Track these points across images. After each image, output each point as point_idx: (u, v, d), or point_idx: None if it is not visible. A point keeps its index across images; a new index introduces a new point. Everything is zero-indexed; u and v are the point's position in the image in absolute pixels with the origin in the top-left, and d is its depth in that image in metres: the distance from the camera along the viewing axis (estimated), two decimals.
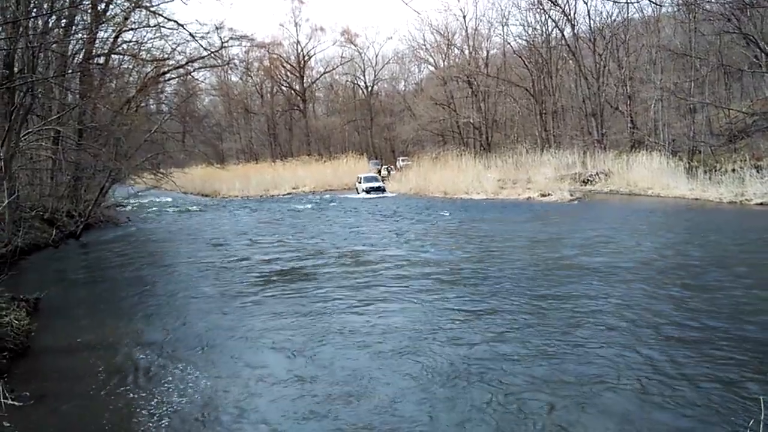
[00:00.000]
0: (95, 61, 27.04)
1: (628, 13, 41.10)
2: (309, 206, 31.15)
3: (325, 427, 5.33)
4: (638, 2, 35.14)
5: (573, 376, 6.12)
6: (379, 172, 46.47)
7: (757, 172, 23.50)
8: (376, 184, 38.01)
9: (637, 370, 6.16)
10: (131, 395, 6.23)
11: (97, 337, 8.47)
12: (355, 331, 8.01)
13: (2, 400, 5.88)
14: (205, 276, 12.58)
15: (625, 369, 6.22)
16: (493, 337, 7.45)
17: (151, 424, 5.53)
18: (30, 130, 13.65)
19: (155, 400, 6.11)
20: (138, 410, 5.86)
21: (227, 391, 6.27)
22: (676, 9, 36.82)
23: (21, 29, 14.86)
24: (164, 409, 5.89)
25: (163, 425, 5.51)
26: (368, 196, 35.91)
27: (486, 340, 7.34)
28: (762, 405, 4.62)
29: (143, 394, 6.26)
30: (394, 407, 5.61)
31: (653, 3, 33.66)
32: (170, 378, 6.70)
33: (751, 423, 4.79)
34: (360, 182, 38.89)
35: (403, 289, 10.38)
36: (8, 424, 5.59)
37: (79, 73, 23.84)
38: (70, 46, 23.26)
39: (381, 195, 36.17)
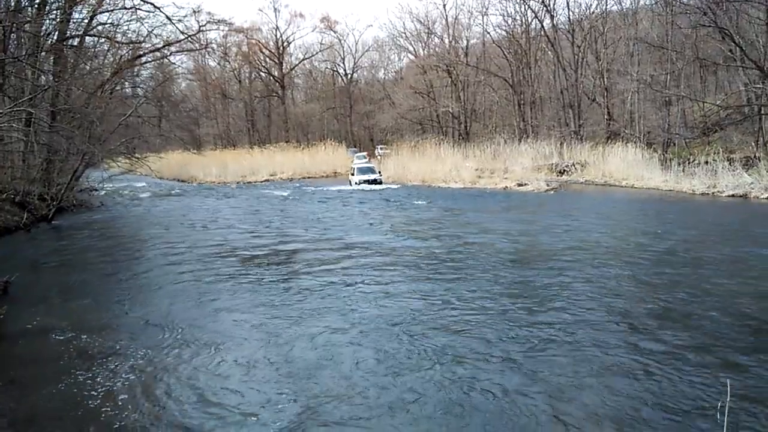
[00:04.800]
0: (69, 43, 26.55)
1: (606, 5, 41.52)
2: (286, 193, 30.99)
3: (299, 405, 5.34)
4: None
5: (541, 361, 6.20)
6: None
7: (729, 164, 23.92)
8: (372, 176, 33.55)
9: (602, 357, 6.26)
10: (101, 380, 6.16)
11: (68, 321, 8.36)
12: (327, 314, 8.05)
13: None
14: (179, 261, 12.47)
15: (591, 356, 6.31)
16: (458, 319, 7.51)
17: (121, 409, 5.49)
18: (1, 111, 13.34)
19: (126, 385, 6.06)
20: (108, 395, 5.80)
21: (200, 373, 6.24)
22: (653, 2, 37.22)
23: None
24: (135, 393, 5.85)
25: (134, 410, 5.47)
26: (360, 187, 31.97)
27: (452, 321, 7.40)
28: (728, 388, 4.75)
29: (113, 379, 6.20)
30: (361, 384, 5.64)
31: None
32: (141, 362, 6.65)
33: (718, 405, 4.90)
34: (353, 173, 34.78)
35: (378, 275, 10.40)
36: None
37: (52, 55, 23.44)
38: (44, 27, 22.85)
39: (376, 187, 31.77)
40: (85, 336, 7.59)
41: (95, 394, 5.83)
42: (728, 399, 4.67)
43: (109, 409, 5.50)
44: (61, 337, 7.59)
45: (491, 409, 5.25)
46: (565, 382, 5.71)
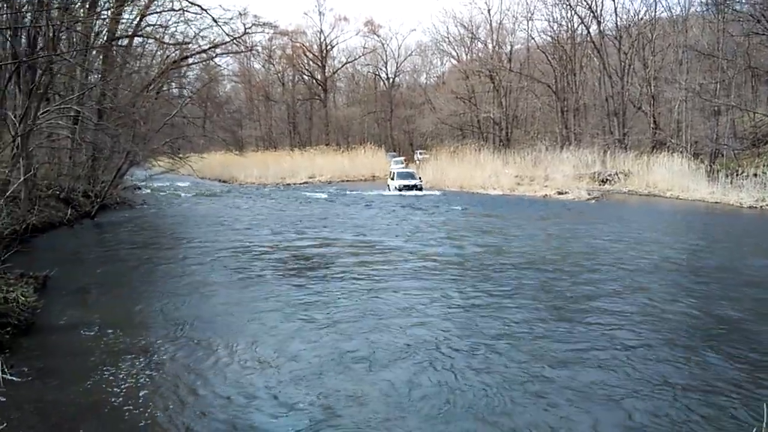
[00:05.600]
0: (118, 43, 27.21)
1: (655, 12, 40.63)
2: (324, 195, 31.12)
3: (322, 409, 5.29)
4: None
5: (574, 377, 6.02)
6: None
7: None
8: (411, 182, 32.05)
9: (643, 372, 6.05)
10: (128, 376, 6.21)
11: (103, 316, 8.48)
12: (361, 319, 8.01)
13: (0, 375, 5.91)
14: (217, 260, 12.58)
15: (632, 373, 6.11)
16: (495, 329, 7.37)
17: (144, 406, 5.52)
18: (48, 108, 13.72)
19: (151, 382, 6.10)
20: (133, 391, 5.84)
21: (233, 373, 6.27)
22: (704, 9, 36.28)
23: (44, 7, 15.01)
24: (161, 391, 5.87)
25: (157, 407, 5.49)
26: (400, 193, 30.64)
27: (489, 332, 7.26)
28: (765, 409, 4.53)
29: (143, 374, 6.25)
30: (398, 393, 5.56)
31: None
32: (170, 360, 6.70)
33: (753, 430, 4.67)
34: (393, 178, 33.34)
35: (413, 281, 10.32)
36: (3, 399, 5.61)
37: (101, 54, 24.05)
38: (95, 27, 23.44)
39: (417, 194, 30.47)
40: (117, 332, 7.67)
41: (121, 389, 5.87)
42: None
43: (132, 405, 5.53)
44: (94, 332, 7.69)
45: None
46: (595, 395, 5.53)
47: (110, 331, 7.71)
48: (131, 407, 5.48)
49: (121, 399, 5.65)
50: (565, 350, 6.77)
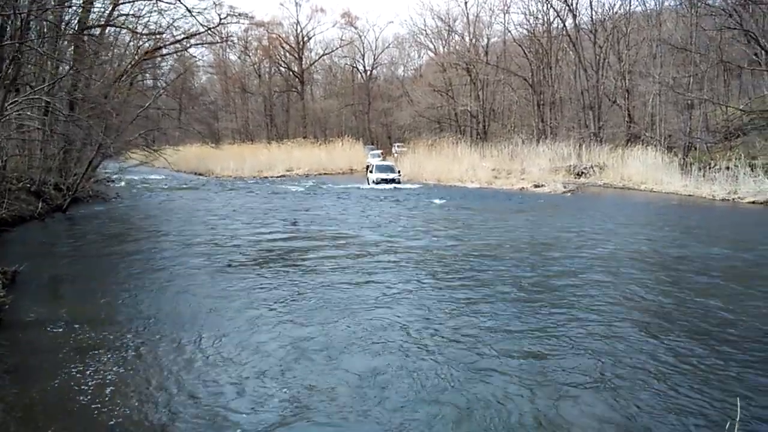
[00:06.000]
0: (90, 32, 26.69)
1: (630, 6, 41.05)
2: (301, 189, 30.94)
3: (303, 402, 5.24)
4: None
5: (553, 370, 6.04)
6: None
7: (752, 170, 23.51)
8: (390, 176, 31.95)
9: (614, 365, 6.09)
10: (96, 373, 6.10)
11: (72, 312, 8.34)
12: (323, 310, 8.02)
13: None
14: (188, 254, 12.43)
15: (605, 364, 6.14)
16: (467, 317, 7.38)
17: (115, 402, 5.43)
18: (16, 99, 13.40)
19: (122, 377, 6.01)
20: (103, 387, 5.74)
21: (199, 368, 6.19)
22: (678, 3, 36.68)
23: None
24: (129, 388, 5.78)
25: (125, 405, 5.40)
26: (378, 186, 30.47)
27: (463, 321, 7.27)
28: (738, 405, 4.56)
29: (111, 371, 6.15)
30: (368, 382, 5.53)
31: None
32: (141, 356, 6.61)
33: (727, 425, 4.70)
34: (371, 171, 33.27)
35: (388, 274, 10.30)
36: None
37: (72, 44, 23.55)
38: (65, 16, 22.94)
39: (393, 186, 30.49)
40: (86, 328, 7.53)
41: (89, 386, 5.77)
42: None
43: (99, 402, 5.43)
44: (63, 329, 7.55)
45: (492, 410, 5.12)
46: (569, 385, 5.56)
47: (79, 327, 7.57)
48: (99, 405, 5.39)
49: (88, 397, 5.55)
50: (531, 341, 6.81)
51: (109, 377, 6.00)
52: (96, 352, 6.70)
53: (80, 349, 6.81)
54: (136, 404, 5.44)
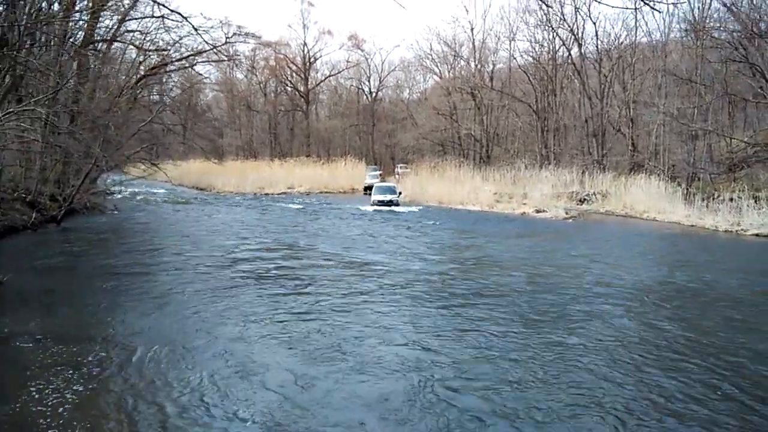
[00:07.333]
0: (96, 47, 26.76)
1: (636, 37, 41.02)
2: (300, 207, 30.75)
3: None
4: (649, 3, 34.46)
5: (550, 403, 5.78)
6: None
7: (755, 202, 23.20)
8: (388, 197, 31.05)
9: (613, 397, 5.82)
10: (87, 387, 5.94)
11: (52, 327, 8.11)
12: (332, 333, 7.86)
13: None
14: (180, 270, 12.20)
15: (602, 397, 5.87)
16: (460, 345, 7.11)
17: (106, 418, 5.22)
18: (11, 110, 13.27)
19: (112, 394, 5.86)
20: (93, 403, 5.58)
21: (198, 386, 6.06)
22: (683, 35, 36.66)
23: (18, 7, 14.61)
24: (105, 405, 5.58)
25: (118, 419, 5.20)
26: (377, 208, 29.84)
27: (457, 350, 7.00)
28: None
29: (100, 387, 6.00)
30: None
31: (672, 3, 33.31)
32: (131, 373, 6.42)
33: None
34: (372, 192, 32.82)
35: (385, 298, 10.06)
36: None
37: (76, 58, 23.55)
38: (69, 30, 22.95)
39: (391, 208, 29.69)
40: (67, 343, 7.30)
41: (77, 400, 5.62)
42: None
43: (92, 416, 5.25)
44: (42, 343, 7.32)
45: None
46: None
47: (59, 343, 7.35)
48: (88, 419, 5.17)
49: (73, 411, 5.38)
50: (525, 368, 6.54)
51: (70, 397, 5.75)
52: (69, 369, 6.46)
53: (54, 365, 6.59)
54: (103, 425, 5.19)
